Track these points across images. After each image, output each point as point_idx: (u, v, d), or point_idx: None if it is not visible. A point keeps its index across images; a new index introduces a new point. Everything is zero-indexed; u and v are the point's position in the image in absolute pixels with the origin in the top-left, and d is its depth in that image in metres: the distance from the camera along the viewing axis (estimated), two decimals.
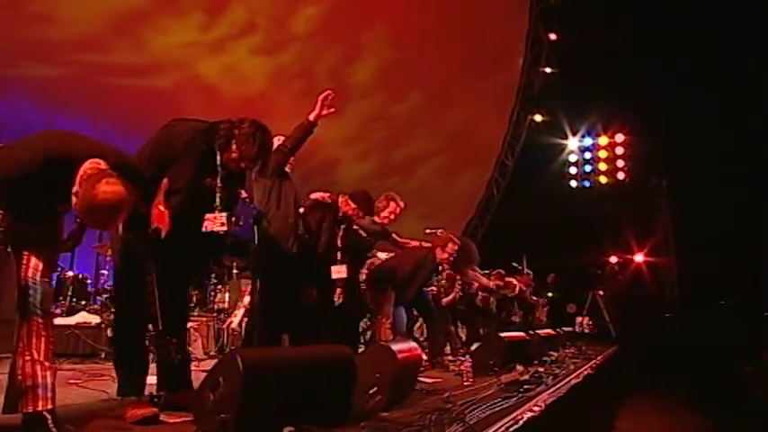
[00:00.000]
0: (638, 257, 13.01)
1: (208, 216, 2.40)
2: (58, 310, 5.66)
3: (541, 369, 4.33)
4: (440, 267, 5.57)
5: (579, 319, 11.18)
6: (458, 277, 6.15)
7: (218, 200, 2.40)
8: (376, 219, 4.49)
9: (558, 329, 7.04)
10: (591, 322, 11.01)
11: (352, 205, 3.80)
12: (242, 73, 9.29)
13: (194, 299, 6.29)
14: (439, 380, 3.94)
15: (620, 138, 13.37)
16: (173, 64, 8.51)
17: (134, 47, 8.00)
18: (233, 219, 2.54)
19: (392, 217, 4.54)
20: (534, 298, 9.16)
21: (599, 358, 6.12)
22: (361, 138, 11.36)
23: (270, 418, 1.79)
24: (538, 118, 12.75)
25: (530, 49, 12.13)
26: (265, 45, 9.21)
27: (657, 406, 6.19)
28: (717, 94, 10.95)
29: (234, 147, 2.41)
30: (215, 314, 6.23)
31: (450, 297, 6.08)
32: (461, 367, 3.78)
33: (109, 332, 5.14)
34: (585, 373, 4.53)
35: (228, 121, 2.45)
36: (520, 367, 3.66)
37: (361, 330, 5.37)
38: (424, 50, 10.45)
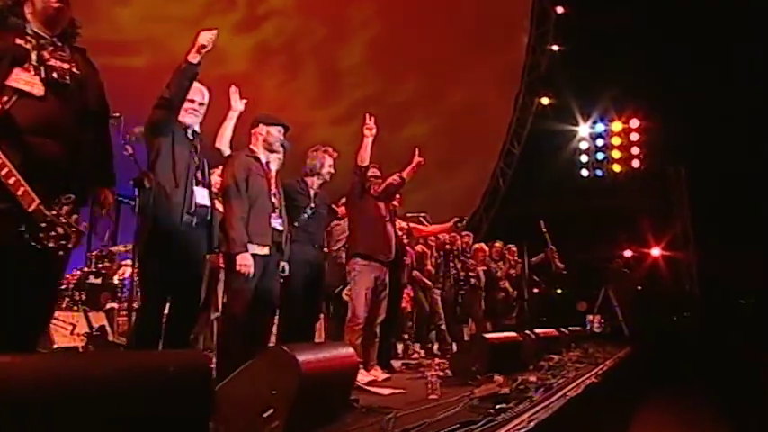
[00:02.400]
0: (655, 251, 12.12)
1: None
2: None
3: (533, 378, 3.56)
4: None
5: (590, 317, 10.36)
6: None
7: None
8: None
9: (562, 329, 6.22)
10: (603, 321, 10.17)
11: None
12: (222, 51, 8.62)
13: None
14: (400, 391, 3.20)
15: (635, 123, 12.43)
16: (145, 41, 7.86)
17: (98, 20, 7.36)
18: None
19: (333, 171, 3.86)
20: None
21: (608, 362, 5.31)
22: (352, 123, 10.64)
23: None
24: (545, 101, 11.87)
25: (535, 26, 11.24)
26: (245, 22, 8.51)
27: (677, 416, 5.36)
28: (740, 76, 10.04)
29: None
30: None
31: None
32: (428, 375, 3.03)
33: None
34: (588, 382, 3.74)
35: None
36: (498, 377, 2.89)
37: None
38: (417, 29, 9.67)
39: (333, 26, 9.19)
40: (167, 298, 2.67)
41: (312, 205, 3.76)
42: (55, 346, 4.62)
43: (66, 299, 5.37)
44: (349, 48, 9.61)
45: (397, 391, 3.23)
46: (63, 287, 5.27)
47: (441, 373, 3.69)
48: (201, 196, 2.73)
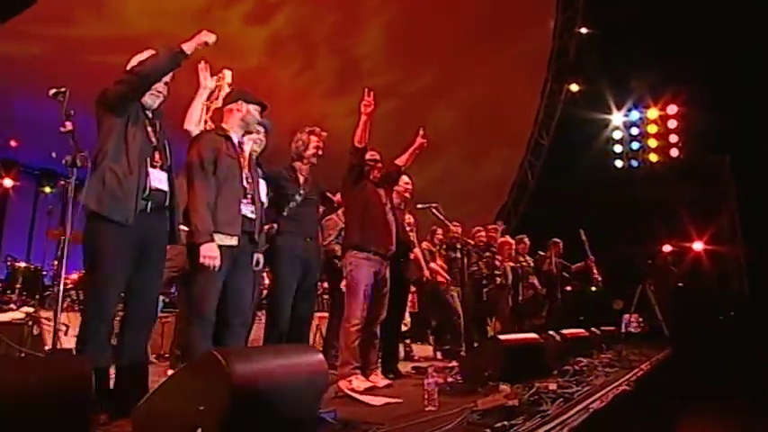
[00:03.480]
0: (698, 246, 11.28)
1: None
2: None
3: (553, 385, 3.10)
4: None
5: (627, 316, 9.70)
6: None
7: None
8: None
9: (593, 329, 5.70)
10: (640, 320, 9.49)
11: None
12: (236, 45, 8.37)
13: None
14: (396, 401, 2.81)
15: (672, 109, 11.62)
16: (153, 35, 7.69)
17: (104, 16, 7.23)
18: None
19: (320, 152, 3.54)
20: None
21: (644, 366, 4.77)
22: (377, 122, 10.24)
23: None
24: (574, 88, 11.21)
25: (561, 8, 10.61)
26: (256, 13, 8.25)
27: (722, 428, 4.76)
28: None
29: None
30: None
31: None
32: (425, 383, 2.63)
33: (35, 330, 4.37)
34: (618, 390, 3.26)
35: None
36: (505, 387, 2.47)
37: None
38: (435, 13, 9.22)
39: (346, 13, 8.85)
40: (119, 297, 2.37)
41: (301, 192, 3.41)
42: (46, 347, 4.42)
43: (68, 299, 5.19)
44: (364, 35, 9.25)
45: (393, 400, 2.84)
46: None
47: (441, 381, 3.31)
48: (158, 180, 2.44)
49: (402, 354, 5.84)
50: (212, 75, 3.04)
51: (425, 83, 10.15)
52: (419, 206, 5.14)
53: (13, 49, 6.81)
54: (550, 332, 4.47)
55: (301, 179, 3.47)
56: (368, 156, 3.71)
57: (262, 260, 2.89)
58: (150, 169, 2.41)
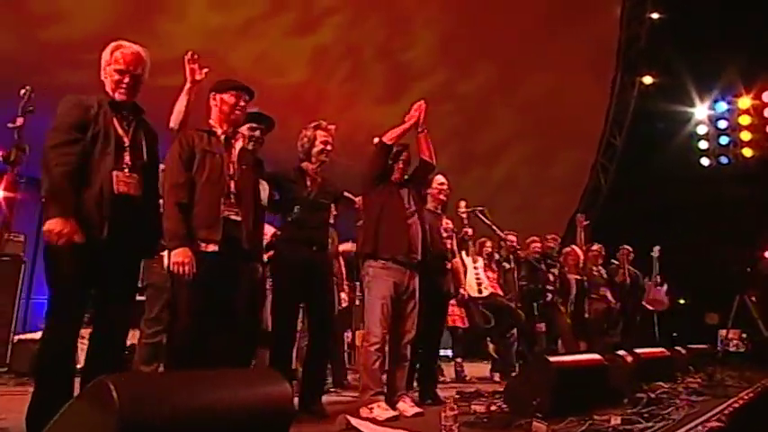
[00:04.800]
0: None
1: None
2: None
3: (616, 419, 2.49)
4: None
5: (723, 332, 8.53)
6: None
7: None
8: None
9: (677, 347, 4.86)
10: (740, 337, 8.27)
11: None
12: (278, 59, 8.29)
13: None
14: None
15: None
16: (200, 54, 7.78)
17: (153, 38, 7.37)
18: None
19: (329, 148, 3.19)
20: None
21: (744, 394, 3.90)
22: (430, 127, 9.81)
23: None
24: (648, 80, 10.17)
25: None
26: (298, 24, 8.13)
27: None
28: None
29: None
30: None
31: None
32: (443, 416, 2.13)
33: None
34: (703, 429, 2.56)
35: None
36: (540, 425, 1.92)
37: None
38: (488, 12, 8.68)
39: (391, 15, 8.53)
40: (82, 318, 2.14)
41: (307, 195, 3.06)
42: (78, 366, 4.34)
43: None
44: (412, 37, 8.88)
45: None
46: None
47: (482, 410, 2.79)
48: (124, 183, 2.17)
49: (453, 375, 5.36)
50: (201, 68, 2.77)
51: (481, 82, 9.59)
52: (462, 210, 4.66)
53: (70, 78, 7.08)
54: (619, 352, 3.79)
55: (309, 180, 3.13)
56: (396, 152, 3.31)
57: (260, 270, 2.55)
58: (116, 171, 2.17)
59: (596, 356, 3.35)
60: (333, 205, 3.38)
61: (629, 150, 11.04)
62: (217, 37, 7.52)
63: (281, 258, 2.98)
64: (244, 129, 2.80)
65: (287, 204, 3.05)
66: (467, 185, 10.07)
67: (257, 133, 2.88)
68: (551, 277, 5.80)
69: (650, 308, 7.17)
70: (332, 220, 4.46)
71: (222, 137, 2.51)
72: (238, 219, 2.39)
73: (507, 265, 5.72)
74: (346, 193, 3.55)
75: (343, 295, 4.56)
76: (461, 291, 4.61)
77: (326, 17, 8.21)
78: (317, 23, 8.14)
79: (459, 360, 5.49)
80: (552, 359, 3.00)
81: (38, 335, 3.62)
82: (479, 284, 5.06)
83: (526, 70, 9.52)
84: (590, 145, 11.30)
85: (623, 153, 11.11)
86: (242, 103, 2.55)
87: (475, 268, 5.12)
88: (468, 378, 5.30)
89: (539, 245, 5.99)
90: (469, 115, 9.91)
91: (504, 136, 10.59)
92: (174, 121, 2.60)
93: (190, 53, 2.68)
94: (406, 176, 3.39)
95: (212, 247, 2.30)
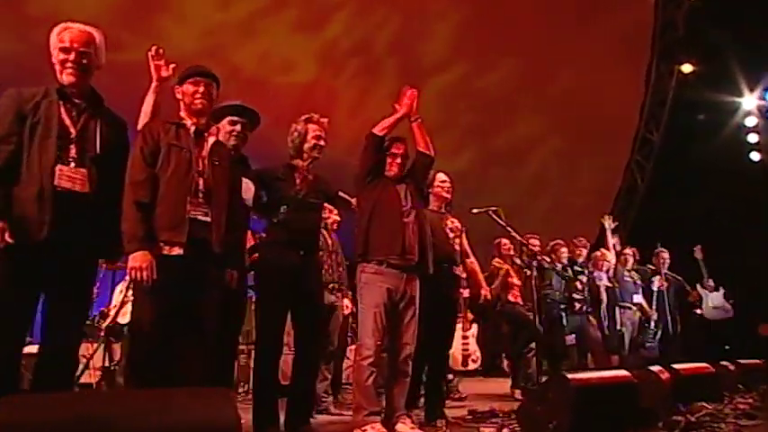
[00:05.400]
0: None
1: None
2: None
3: None
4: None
5: None
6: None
7: None
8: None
9: (723, 362, 4.20)
10: None
11: None
12: (285, 56, 7.99)
13: None
14: None
15: None
16: (203, 55, 7.56)
17: (153, 39, 7.21)
18: None
19: (321, 143, 2.90)
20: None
21: None
22: (447, 125, 9.32)
23: None
24: (687, 69, 9.40)
25: None
26: (304, 19, 7.81)
27: None
28: None
29: None
30: None
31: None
32: None
33: None
34: None
35: None
36: None
37: None
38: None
39: (404, 8, 8.13)
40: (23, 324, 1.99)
41: (295, 194, 2.75)
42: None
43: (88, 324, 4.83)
44: (428, 32, 8.46)
45: None
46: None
47: None
48: (68, 178, 1.97)
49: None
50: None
51: (503, 76, 9.08)
52: (474, 211, 4.21)
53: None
54: (653, 367, 3.21)
55: (299, 178, 2.82)
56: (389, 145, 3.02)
57: (236, 276, 2.35)
58: (60, 165, 1.98)
59: (624, 373, 2.80)
60: (332, 207, 3.22)
61: (667, 146, 10.28)
62: (219, 35, 7.29)
63: (264, 263, 2.72)
64: (224, 122, 2.64)
65: (274, 205, 2.76)
66: (491, 185, 9.59)
67: (238, 127, 2.67)
68: (579, 285, 5.39)
69: (710, 318, 6.50)
70: (335, 226, 4.10)
71: (192, 129, 2.26)
72: (207, 219, 2.17)
73: (528, 272, 5.20)
74: (341, 193, 3.20)
75: (346, 302, 4.21)
76: (482, 292, 4.15)
77: (334, 11, 7.88)
78: (323, 17, 7.82)
79: (450, 376, 4.97)
80: (571, 376, 2.53)
81: None
82: (467, 356, 4.66)
83: (553, 63, 8.98)
84: (624, 141, 10.62)
85: (661, 149, 10.35)
86: (202, 90, 2.30)
87: (464, 337, 4.66)
88: (464, 397, 4.78)
89: (565, 249, 5.49)
90: (492, 115, 9.42)
91: (530, 135, 10.03)
92: (141, 123, 2.40)
93: (154, 48, 2.51)
94: (404, 172, 3.08)
95: (176, 251, 2.10)
